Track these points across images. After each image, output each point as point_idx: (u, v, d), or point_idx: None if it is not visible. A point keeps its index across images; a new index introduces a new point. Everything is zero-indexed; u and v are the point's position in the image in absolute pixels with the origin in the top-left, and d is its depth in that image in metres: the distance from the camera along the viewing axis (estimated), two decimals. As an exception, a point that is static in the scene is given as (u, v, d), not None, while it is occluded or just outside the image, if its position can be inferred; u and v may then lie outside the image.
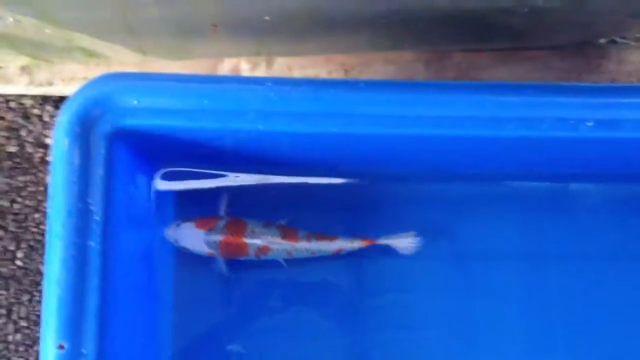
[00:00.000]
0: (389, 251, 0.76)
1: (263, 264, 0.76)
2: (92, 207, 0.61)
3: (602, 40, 0.85)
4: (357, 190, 0.79)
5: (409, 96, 0.62)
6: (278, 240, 0.72)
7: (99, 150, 0.62)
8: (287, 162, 0.72)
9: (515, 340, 0.78)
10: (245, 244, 0.72)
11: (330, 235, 0.74)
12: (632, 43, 0.85)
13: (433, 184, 0.80)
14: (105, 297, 0.61)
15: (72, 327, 0.59)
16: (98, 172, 0.62)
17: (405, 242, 0.74)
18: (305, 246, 0.73)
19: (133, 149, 0.66)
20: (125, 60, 0.83)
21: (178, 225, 0.73)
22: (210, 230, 0.72)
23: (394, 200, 0.79)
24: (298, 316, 0.77)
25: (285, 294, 0.77)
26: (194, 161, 0.75)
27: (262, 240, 0.72)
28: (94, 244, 0.61)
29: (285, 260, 0.75)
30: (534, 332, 0.78)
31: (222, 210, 0.76)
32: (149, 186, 0.75)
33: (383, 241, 0.74)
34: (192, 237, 0.72)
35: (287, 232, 0.73)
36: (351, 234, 0.75)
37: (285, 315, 0.77)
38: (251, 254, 0.73)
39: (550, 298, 0.79)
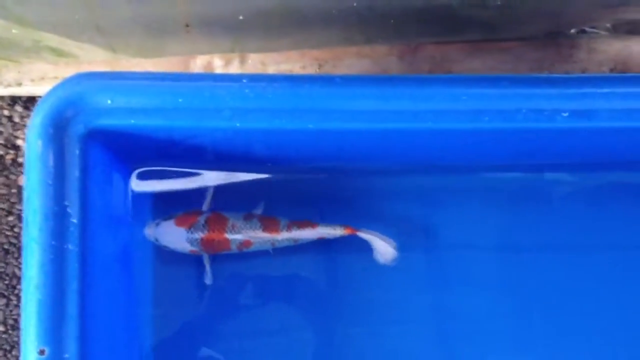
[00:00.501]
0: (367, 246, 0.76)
1: (243, 261, 0.75)
2: (68, 210, 0.60)
3: (572, 31, 0.86)
4: (335, 185, 0.79)
5: (385, 90, 0.62)
6: (259, 233, 0.72)
7: (74, 151, 0.61)
8: (265, 159, 0.72)
9: (493, 332, 0.78)
10: (227, 240, 0.72)
11: (311, 223, 0.74)
12: (602, 32, 0.86)
13: (410, 177, 0.80)
14: (85, 299, 0.60)
15: (53, 332, 0.59)
16: (73, 173, 0.61)
17: (384, 249, 0.74)
18: (286, 236, 0.73)
19: (108, 149, 0.66)
20: (95, 58, 0.82)
21: (157, 224, 0.73)
22: (191, 228, 0.71)
23: (371, 194, 0.79)
24: (277, 313, 0.77)
25: (265, 292, 0.77)
26: (170, 160, 0.74)
27: (244, 235, 0.72)
28: (72, 246, 0.60)
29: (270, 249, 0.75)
30: (512, 324, 0.79)
31: (207, 204, 0.75)
32: (126, 186, 0.74)
33: (364, 235, 0.74)
34: (173, 235, 0.72)
35: (268, 224, 0.73)
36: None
37: (266, 313, 0.77)
38: (234, 249, 0.73)
39: (528, 289, 0.79)
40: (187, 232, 0.71)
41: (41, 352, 0.57)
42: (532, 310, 0.79)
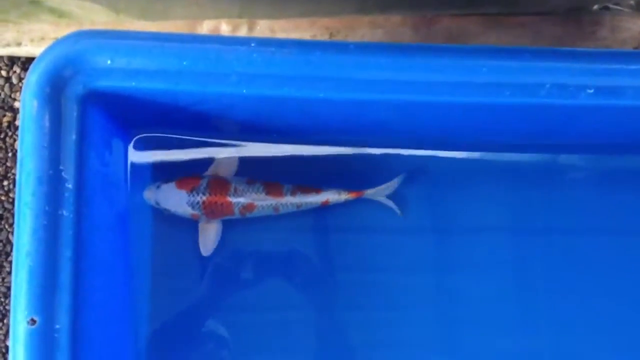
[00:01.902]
0: (373, 222, 0.74)
1: (244, 233, 0.73)
2: (64, 174, 0.58)
3: (595, 7, 0.82)
4: (342, 158, 0.76)
5: (401, 60, 0.58)
6: (262, 196, 0.70)
7: (71, 113, 0.58)
8: (272, 128, 0.69)
9: (500, 315, 0.76)
10: (230, 203, 0.69)
11: (315, 188, 0.72)
12: (626, 10, 0.83)
13: (420, 153, 0.77)
14: (79, 268, 0.58)
15: (44, 301, 0.56)
16: (70, 136, 0.58)
17: (390, 189, 0.73)
18: (290, 200, 0.71)
19: (107, 112, 0.63)
20: (97, 19, 0.78)
21: (158, 186, 0.70)
22: (193, 191, 0.69)
23: (379, 169, 0.76)
24: (277, 288, 0.75)
25: (265, 266, 0.75)
26: (173, 127, 0.71)
27: (246, 198, 0.70)
28: (66, 212, 0.57)
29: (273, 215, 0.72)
30: (520, 307, 0.76)
31: (211, 170, 0.72)
32: (125, 152, 0.71)
33: (370, 194, 0.72)
34: (174, 198, 0.69)
35: (272, 188, 0.71)
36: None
37: (265, 287, 0.75)
38: (236, 213, 0.70)
39: (537, 272, 0.77)
40: (189, 195, 0.69)
41: (32, 322, 0.55)
42: (541, 294, 0.77)
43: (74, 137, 0.58)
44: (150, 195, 0.70)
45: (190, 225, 0.72)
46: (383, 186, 0.73)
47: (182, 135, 0.72)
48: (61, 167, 0.57)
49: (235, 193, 0.69)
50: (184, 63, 0.58)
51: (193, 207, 0.69)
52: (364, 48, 0.59)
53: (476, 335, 0.75)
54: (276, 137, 0.72)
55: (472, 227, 0.77)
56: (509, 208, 0.77)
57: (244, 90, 0.59)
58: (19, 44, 0.81)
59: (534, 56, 0.58)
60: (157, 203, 0.70)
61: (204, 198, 0.69)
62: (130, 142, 0.72)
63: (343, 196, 0.72)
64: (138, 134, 0.72)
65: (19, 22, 0.81)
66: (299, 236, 0.75)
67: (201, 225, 0.72)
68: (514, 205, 0.77)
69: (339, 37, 0.79)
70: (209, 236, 0.71)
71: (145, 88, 0.59)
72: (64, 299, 0.56)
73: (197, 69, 0.58)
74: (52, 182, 0.57)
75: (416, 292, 0.75)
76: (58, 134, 0.58)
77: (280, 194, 0.70)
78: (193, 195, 0.69)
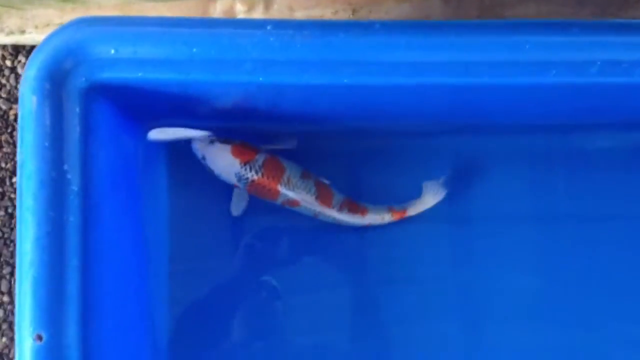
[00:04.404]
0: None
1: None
2: (68, 175, 0.53)
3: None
4: (367, 145, 0.71)
5: (433, 39, 0.53)
6: (311, 200, 0.66)
7: (73, 108, 0.53)
8: (292, 118, 0.64)
9: (525, 307, 0.72)
10: (277, 192, 0.65)
11: (362, 208, 0.68)
12: (677, -27, 0.75)
13: (448, 138, 0.72)
14: (88, 277, 0.53)
15: (51, 315, 0.52)
16: (73, 134, 0.53)
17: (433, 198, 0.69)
18: (334, 214, 0.67)
19: (114, 106, 0.58)
20: (104, 3, 0.73)
21: (212, 142, 0.65)
22: (247, 164, 0.65)
23: (404, 155, 0.72)
24: (304, 274, 0.71)
25: (293, 250, 0.71)
26: (185, 118, 0.66)
27: (296, 194, 0.66)
28: (72, 217, 0.53)
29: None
30: (544, 299, 0.72)
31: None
32: (136, 148, 0.66)
33: (414, 211, 0.69)
34: (225, 163, 0.65)
35: (323, 193, 0.66)
36: (381, 203, 0.69)
37: (293, 272, 0.71)
38: (278, 202, 0.67)
39: (563, 261, 0.72)
40: (241, 167, 0.65)
41: (38, 338, 0.51)
42: (568, 285, 0.72)
43: (78, 134, 0.54)
44: (200, 147, 0.66)
45: (213, 228, 0.69)
46: (424, 199, 0.69)
47: (196, 127, 0.67)
48: (65, 168, 0.53)
49: (287, 184, 0.65)
50: (194, 50, 0.53)
51: (240, 181, 0.65)
52: (391, 27, 0.53)
53: (501, 329, 0.71)
54: (298, 126, 0.67)
55: (496, 214, 0.72)
56: (535, 194, 0.73)
57: (261, 78, 0.54)
58: (22, 32, 0.76)
59: (584, 30, 0.52)
60: (204, 158, 0.66)
61: (255, 177, 0.65)
62: (141, 137, 0.67)
63: (386, 218, 0.69)
64: (151, 128, 0.67)
65: (23, 8, 0.76)
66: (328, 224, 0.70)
67: (236, 191, 0.68)
68: (540, 191, 0.73)
69: (362, 13, 0.74)
70: (242, 199, 0.68)
71: (153, 79, 0.54)
72: (73, 311, 0.52)
73: (209, 57, 0.53)
74: (55, 185, 0.52)
75: (439, 283, 0.72)
76: (60, 131, 0.53)
77: (329, 203, 0.67)
78: (245, 170, 0.65)
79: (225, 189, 0.68)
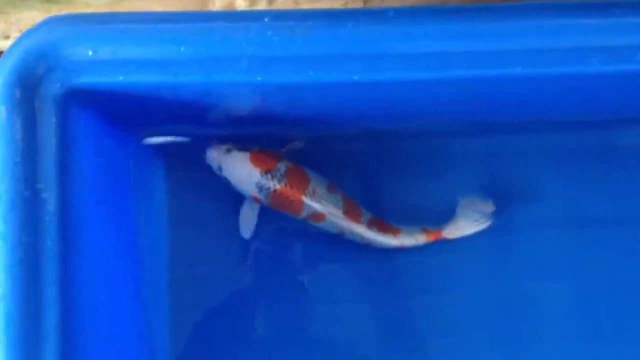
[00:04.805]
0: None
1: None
2: (43, 195, 0.47)
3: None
4: (381, 150, 0.64)
5: (455, 26, 0.46)
6: (338, 213, 0.59)
7: (49, 118, 0.47)
8: (297, 121, 0.58)
9: (562, 322, 0.64)
10: (302, 203, 0.59)
11: (393, 227, 0.61)
12: None
13: (469, 138, 0.65)
14: (70, 309, 0.47)
15: (27, 353, 0.45)
16: (49, 147, 0.47)
17: (473, 217, 0.61)
18: (362, 232, 0.60)
19: (97, 114, 0.52)
20: (92, 2, 0.67)
21: (229, 150, 0.59)
22: (268, 173, 0.58)
23: (422, 160, 0.65)
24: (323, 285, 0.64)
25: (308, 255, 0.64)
26: (179, 125, 0.60)
27: (322, 207, 0.59)
28: (49, 242, 0.47)
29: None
30: (584, 312, 0.64)
31: (287, 149, 0.62)
32: (128, 158, 0.60)
33: (450, 234, 0.61)
34: (243, 173, 0.59)
35: (351, 208, 0.60)
36: (413, 223, 0.62)
37: (306, 282, 0.64)
38: (302, 217, 0.60)
39: (596, 273, 0.64)
40: (262, 177, 0.58)
41: (11, 384, 0.44)
42: (607, 298, 0.64)
43: (54, 147, 0.48)
44: (215, 156, 0.59)
45: (217, 252, 0.63)
46: (463, 223, 0.61)
47: (191, 134, 0.61)
48: (39, 186, 0.47)
49: (313, 196, 0.59)
50: (182, 49, 0.47)
51: (260, 191, 0.59)
52: (407, 15, 0.47)
53: (538, 349, 0.64)
54: (304, 130, 0.60)
55: (530, 220, 0.64)
56: (572, 196, 0.65)
57: (259, 78, 0.47)
58: (7, 37, 0.70)
59: (631, 10, 0.45)
60: (220, 169, 0.59)
61: (278, 187, 0.58)
62: (133, 147, 0.60)
63: (421, 239, 0.61)
64: (142, 137, 0.61)
65: (6, 12, 0.70)
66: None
67: (247, 205, 0.62)
68: (577, 193, 0.65)
69: (374, 3, 0.67)
70: (251, 218, 0.62)
71: (138, 82, 0.48)
72: (51, 351, 0.46)
73: (199, 55, 0.47)
74: (28, 206, 0.46)
75: (470, 295, 0.64)
76: (34, 145, 0.47)
77: (357, 220, 0.60)
78: (266, 179, 0.58)
79: (229, 201, 0.62)
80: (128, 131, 0.59)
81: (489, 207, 0.61)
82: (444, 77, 0.47)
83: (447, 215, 0.61)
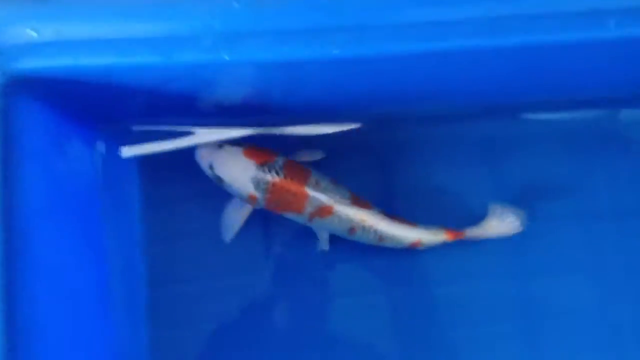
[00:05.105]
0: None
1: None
2: (-17, 198, 0.41)
3: None
4: (369, 138, 0.59)
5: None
6: (346, 204, 0.53)
7: (-14, 111, 0.42)
8: (271, 107, 0.52)
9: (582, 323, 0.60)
10: (305, 196, 0.53)
11: (408, 221, 0.56)
12: None
13: (473, 122, 0.60)
14: (16, 322, 0.41)
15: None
16: (-13, 144, 0.42)
17: (501, 226, 0.56)
18: (376, 224, 0.54)
19: (48, 104, 0.47)
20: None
21: (221, 146, 0.54)
22: (264, 165, 0.53)
23: (417, 149, 0.59)
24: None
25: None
26: (141, 116, 0.54)
27: (327, 198, 0.53)
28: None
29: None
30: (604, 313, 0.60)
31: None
32: (92, 156, 0.54)
33: (473, 233, 0.56)
34: (237, 167, 0.53)
35: (359, 200, 0.54)
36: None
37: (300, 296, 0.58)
38: (306, 213, 0.54)
39: (627, 263, 0.60)
40: (258, 169, 0.53)
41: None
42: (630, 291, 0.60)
43: (-7, 144, 0.42)
44: (205, 154, 0.54)
45: (200, 261, 0.57)
46: (490, 224, 0.56)
47: (155, 125, 0.55)
48: (-24, 191, 0.41)
49: (316, 186, 0.53)
50: (136, 25, 0.41)
51: (257, 187, 0.53)
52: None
53: (556, 338, 0.60)
54: (280, 117, 0.54)
55: (541, 211, 0.60)
56: (585, 187, 0.61)
57: (226, 57, 0.42)
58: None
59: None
60: (211, 167, 0.53)
61: (277, 179, 0.53)
62: (99, 144, 0.55)
63: (440, 237, 0.56)
64: (109, 131, 0.55)
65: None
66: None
67: (233, 205, 0.56)
68: (590, 183, 0.60)
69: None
70: (237, 217, 0.56)
71: (89, 66, 0.43)
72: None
73: (155, 33, 0.41)
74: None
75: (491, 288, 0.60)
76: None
77: (368, 206, 0.54)
78: (263, 171, 0.53)
79: (212, 204, 0.57)
80: (92, 125, 0.53)
81: (520, 219, 0.56)
82: (436, 49, 0.41)
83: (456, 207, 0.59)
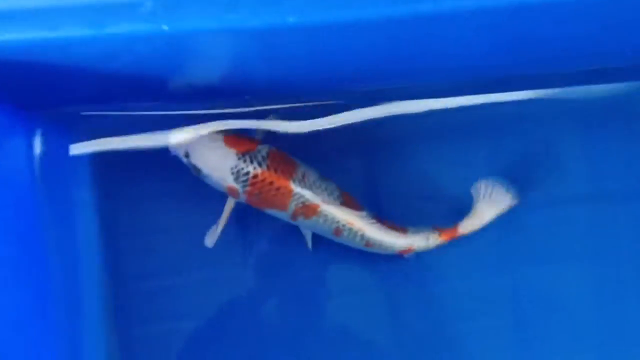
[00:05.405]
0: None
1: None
2: None
3: None
4: (356, 132, 0.54)
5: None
6: (334, 203, 0.49)
7: None
8: (230, 87, 0.46)
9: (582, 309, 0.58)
10: (290, 191, 0.48)
11: (398, 226, 0.52)
12: None
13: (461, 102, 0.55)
14: None
15: None
16: None
17: (492, 205, 0.52)
18: (363, 228, 0.50)
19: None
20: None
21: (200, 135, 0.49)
22: (246, 155, 0.48)
23: (396, 132, 0.55)
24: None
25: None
26: (84, 101, 0.49)
27: (314, 195, 0.49)
28: None
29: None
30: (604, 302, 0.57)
31: (260, 133, 0.52)
32: (29, 147, 0.49)
33: (467, 227, 0.52)
34: (216, 156, 0.48)
35: (349, 200, 0.50)
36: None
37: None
38: (289, 210, 0.49)
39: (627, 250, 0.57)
40: (238, 158, 0.48)
41: None
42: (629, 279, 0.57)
43: None
44: (181, 142, 0.49)
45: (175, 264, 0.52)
46: (478, 212, 0.52)
47: (101, 111, 0.49)
48: None
49: (302, 181, 0.49)
50: (60, -9, 0.36)
51: (237, 178, 0.48)
52: None
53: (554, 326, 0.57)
54: (246, 98, 0.49)
55: (542, 195, 0.57)
56: (589, 166, 0.58)
57: (165, 27, 0.36)
58: None
59: None
60: (187, 155, 0.49)
61: (259, 170, 0.48)
62: (35, 132, 0.49)
63: (432, 241, 0.53)
64: (49, 118, 0.50)
65: None
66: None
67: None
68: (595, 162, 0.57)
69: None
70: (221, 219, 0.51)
71: (9, 41, 0.37)
72: None
73: (83, 0, 0.35)
74: None
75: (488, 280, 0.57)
76: None
77: (358, 207, 0.51)
78: (244, 161, 0.48)
79: (186, 200, 0.53)
80: (27, 112, 0.47)
81: (510, 190, 0.52)
82: (407, 14, 0.35)
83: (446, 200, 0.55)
